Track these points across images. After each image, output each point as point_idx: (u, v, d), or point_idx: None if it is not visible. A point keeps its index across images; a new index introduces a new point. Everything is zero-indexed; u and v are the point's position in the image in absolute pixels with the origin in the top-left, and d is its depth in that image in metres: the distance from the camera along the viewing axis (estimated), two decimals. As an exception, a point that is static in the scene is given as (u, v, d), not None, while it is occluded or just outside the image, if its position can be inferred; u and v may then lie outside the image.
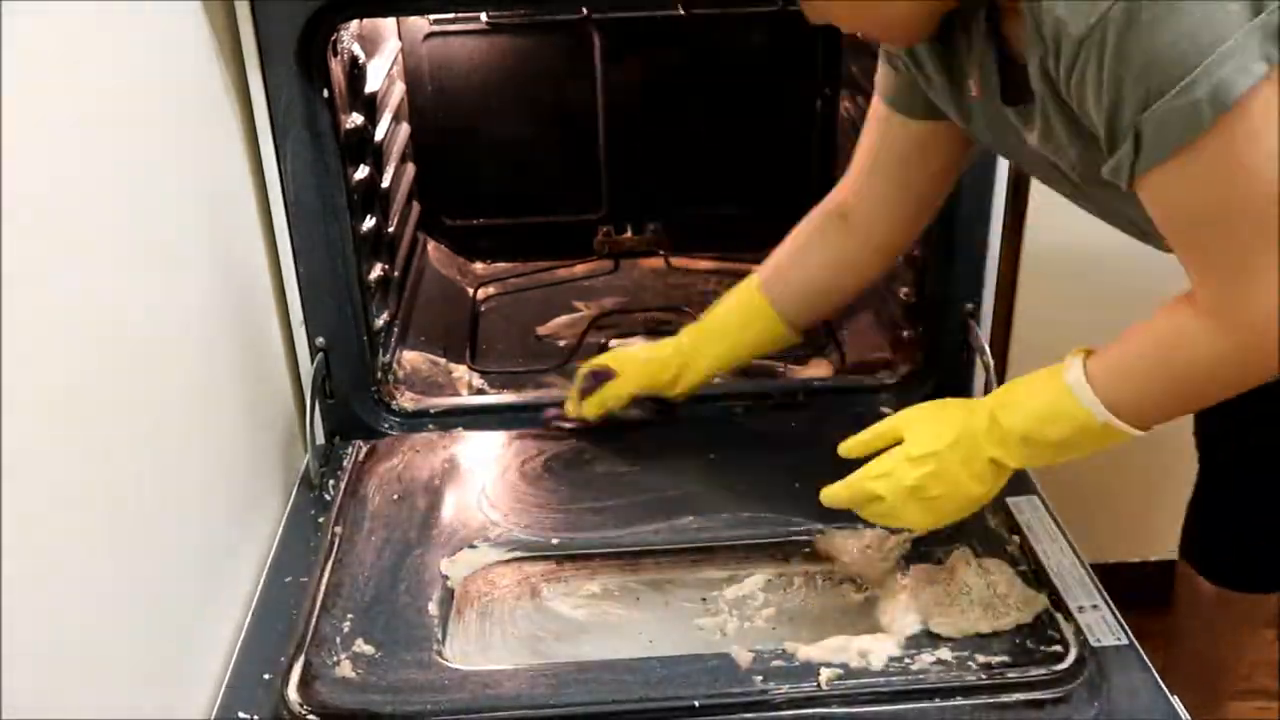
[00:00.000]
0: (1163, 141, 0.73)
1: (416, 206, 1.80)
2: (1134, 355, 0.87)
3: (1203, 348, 0.81)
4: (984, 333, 1.28)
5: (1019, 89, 0.86)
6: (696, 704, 0.89)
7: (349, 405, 1.31)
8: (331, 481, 1.22)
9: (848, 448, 1.01)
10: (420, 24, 1.73)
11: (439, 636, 0.97)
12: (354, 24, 1.39)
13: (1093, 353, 0.88)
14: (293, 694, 0.91)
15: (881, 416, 1.27)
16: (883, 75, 1.07)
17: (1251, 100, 0.70)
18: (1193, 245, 0.80)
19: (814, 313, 1.22)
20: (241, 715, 0.93)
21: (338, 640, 0.96)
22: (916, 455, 0.93)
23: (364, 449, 1.26)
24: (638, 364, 1.24)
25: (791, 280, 1.19)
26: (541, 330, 1.68)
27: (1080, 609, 1.01)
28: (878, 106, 1.09)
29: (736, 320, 1.21)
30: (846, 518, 1.11)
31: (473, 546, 1.09)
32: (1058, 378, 0.88)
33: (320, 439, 1.29)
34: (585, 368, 1.26)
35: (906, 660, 0.92)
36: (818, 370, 1.52)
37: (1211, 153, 0.73)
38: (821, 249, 1.17)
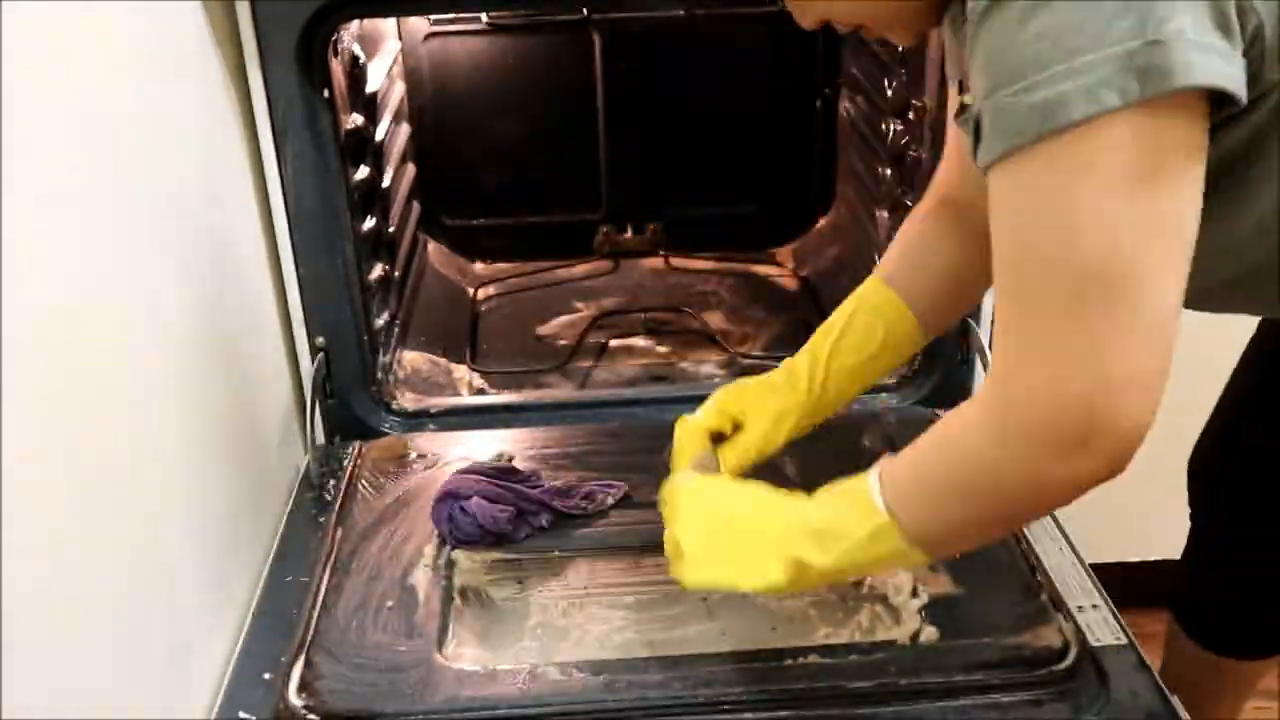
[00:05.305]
0: (994, 135, 0.65)
1: (416, 206, 1.80)
2: (919, 451, 0.76)
3: (971, 436, 0.73)
4: (984, 333, 1.28)
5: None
6: (696, 704, 0.90)
7: (349, 405, 1.31)
8: (332, 482, 1.22)
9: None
10: (420, 24, 1.73)
11: (439, 636, 0.97)
12: (354, 24, 1.39)
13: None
14: (293, 694, 0.91)
15: (882, 418, 1.29)
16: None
17: (1092, 132, 0.61)
18: (1001, 290, 0.70)
19: (949, 307, 1.05)
20: (242, 715, 0.93)
21: (338, 640, 0.97)
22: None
23: (364, 449, 1.26)
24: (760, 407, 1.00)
25: (923, 267, 1.01)
26: (541, 330, 1.69)
27: (1080, 609, 1.01)
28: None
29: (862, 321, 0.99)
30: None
31: (473, 546, 1.09)
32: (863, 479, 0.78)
33: (320, 439, 1.29)
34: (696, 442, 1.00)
35: (906, 661, 0.92)
36: (818, 370, 1.52)
37: (1035, 172, 0.64)
38: (944, 239, 1.01)
